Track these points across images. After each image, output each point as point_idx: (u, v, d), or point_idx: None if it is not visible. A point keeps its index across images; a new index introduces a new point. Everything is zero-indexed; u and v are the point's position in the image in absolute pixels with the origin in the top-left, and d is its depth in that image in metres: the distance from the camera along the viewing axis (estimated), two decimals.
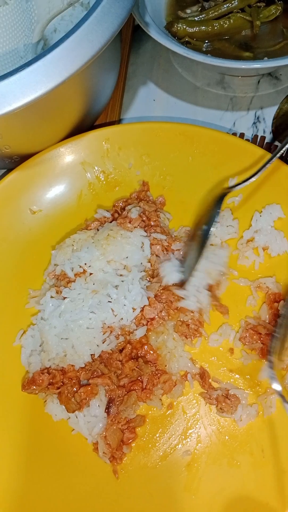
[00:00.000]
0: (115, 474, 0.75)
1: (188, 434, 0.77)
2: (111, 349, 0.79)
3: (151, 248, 0.86)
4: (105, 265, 0.84)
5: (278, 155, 0.81)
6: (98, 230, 0.90)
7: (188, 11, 1.09)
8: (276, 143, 1.00)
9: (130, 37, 1.19)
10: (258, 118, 1.08)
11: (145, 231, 0.88)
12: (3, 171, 1.04)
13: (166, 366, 0.80)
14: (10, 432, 0.79)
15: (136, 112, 1.12)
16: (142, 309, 0.81)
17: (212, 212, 0.82)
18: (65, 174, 0.95)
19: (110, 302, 0.80)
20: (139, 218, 0.88)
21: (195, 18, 1.05)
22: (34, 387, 0.78)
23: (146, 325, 0.81)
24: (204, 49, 1.04)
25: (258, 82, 1.11)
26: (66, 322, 0.80)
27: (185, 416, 0.78)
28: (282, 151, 0.81)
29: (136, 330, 0.80)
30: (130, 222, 0.88)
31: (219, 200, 0.83)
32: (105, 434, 0.75)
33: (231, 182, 0.91)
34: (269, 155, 0.88)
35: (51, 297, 0.83)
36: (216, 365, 0.81)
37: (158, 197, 0.95)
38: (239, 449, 0.75)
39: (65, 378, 0.78)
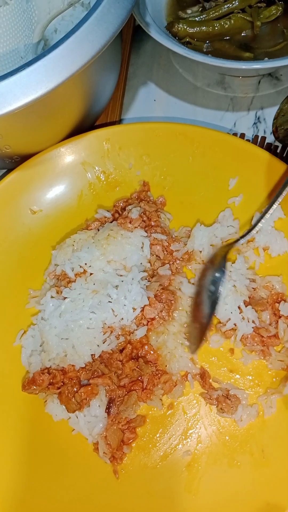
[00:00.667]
0: (116, 474, 0.75)
1: (188, 434, 0.77)
2: (111, 349, 0.79)
3: (151, 248, 0.86)
4: (105, 265, 0.84)
5: (284, 194, 0.79)
6: (98, 230, 0.90)
7: (189, 11, 1.09)
8: (277, 143, 1.00)
9: (131, 37, 1.19)
10: (258, 118, 1.08)
11: (146, 231, 0.88)
12: (3, 171, 1.04)
13: (166, 366, 0.80)
14: (10, 432, 0.79)
15: (136, 112, 1.12)
16: (142, 309, 0.81)
17: (218, 271, 0.78)
18: (65, 174, 0.95)
19: (110, 302, 0.80)
20: (140, 218, 0.88)
21: (196, 18, 1.05)
22: (35, 387, 0.78)
23: (147, 325, 0.81)
24: (205, 50, 1.04)
25: (259, 82, 1.11)
26: (67, 322, 0.80)
27: (185, 416, 0.78)
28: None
29: (136, 330, 0.80)
30: (130, 222, 0.88)
31: (224, 256, 0.79)
32: (105, 434, 0.75)
33: (232, 183, 0.91)
34: (268, 155, 0.88)
35: (52, 297, 0.83)
36: (216, 365, 0.81)
37: (158, 197, 0.95)
38: (239, 449, 0.75)
39: (66, 378, 0.78)
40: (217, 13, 1.04)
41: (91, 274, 0.84)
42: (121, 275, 0.83)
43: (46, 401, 0.80)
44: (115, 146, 0.95)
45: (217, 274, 0.77)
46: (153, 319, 0.81)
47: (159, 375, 0.79)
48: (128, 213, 0.90)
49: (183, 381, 0.80)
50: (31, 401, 0.80)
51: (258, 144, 1.00)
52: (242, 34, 1.05)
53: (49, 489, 0.75)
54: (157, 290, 0.83)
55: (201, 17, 1.05)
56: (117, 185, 0.96)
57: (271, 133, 1.01)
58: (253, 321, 0.80)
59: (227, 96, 1.11)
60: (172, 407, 0.79)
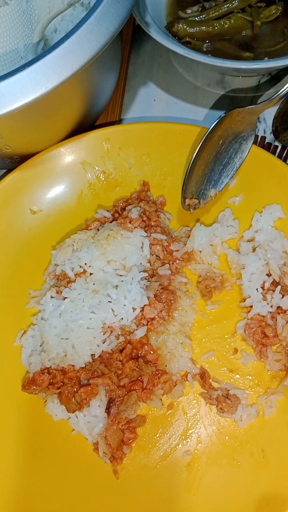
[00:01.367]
0: (115, 474, 0.75)
1: (188, 434, 0.77)
2: (111, 349, 0.80)
3: (151, 248, 0.86)
4: (105, 265, 0.84)
5: None
6: (98, 230, 0.90)
7: (189, 11, 1.09)
8: (276, 143, 1.00)
9: (131, 37, 1.19)
10: (258, 118, 1.07)
11: (146, 231, 0.88)
12: (3, 171, 1.05)
13: (166, 366, 0.80)
14: (10, 432, 0.79)
15: (136, 112, 1.12)
16: (142, 309, 0.81)
17: (248, 130, 0.81)
18: (65, 174, 0.95)
19: (110, 302, 0.80)
20: (140, 218, 0.88)
21: (196, 18, 1.05)
22: (34, 387, 0.78)
23: (146, 325, 0.81)
24: (205, 49, 1.04)
25: (259, 82, 1.11)
26: (66, 322, 0.80)
27: (185, 416, 0.78)
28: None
29: (136, 330, 0.80)
30: (130, 222, 0.88)
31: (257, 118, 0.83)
32: (105, 434, 0.75)
33: (232, 183, 0.91)
34: (268, 155, 0.88)
35: (51, 297, 0.83)
36: (216, 365, 0.81)
37: (158, 197, 0.95)
38: (239, 449, 0.75)
39: (65, 378, 0.78)
40: (217, 13, 1.04)
41: (91, 274, 0.84)
42: (121, 275, 0.83)
43: (46, 401, 0.80)
44: (115, 146, 0.95)
45: (245, 133, 0.81)
46: (153, 319, 0.81)
47: (159, 375, 0.79)
48: (128, 213, 0.90)
49: (183, 381, 0.80)
50: (31, 401, 0.80)
51: (258, 144, 1.00)
52: (242, 34, 1.05)
53: (49, 489, 0.75)
54: (157, 290, 0.83)
55: (201, 17, 1.05)
56: (117, 185, 0.96)
57: (271, 132, 1.01)
58: (271, 306, 0.80)
59: (227, 95, 1.11)
60: (172, 407, 0.79)
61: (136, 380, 0.78)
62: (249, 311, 0.82)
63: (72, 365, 0.79)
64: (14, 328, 0.86)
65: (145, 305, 0.81)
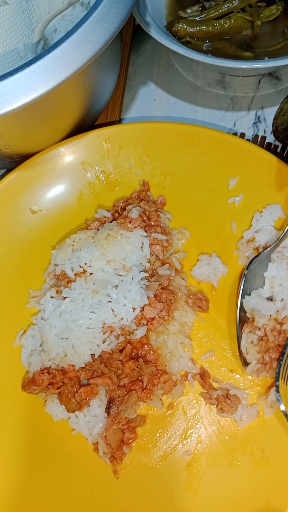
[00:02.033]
0: (115, 474, 0.75)
1: (188, 434, 0.77)
2: (111, 349, 0.79)
3: (151, 248, 0.86)
4: (105, 265, 0.84)
5: None
6: (98, 230, 0.90)
7: (189, 10, 1.09)
8: (277, 143, 1.00)
9: (131, 37, 1.19)
10: (258, 118, 1.07)
11: (146, 231, 0.87)
12: (3, 171, 1.04)
13: (166, 366, 0.80)
14: (10, 432, 0.79)
15: (136, 112, 1.12)
16: (142, 309, 0.81)
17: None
18: (65, 174, 0.95)
19: (110, 302, 0.80)
20: (140, 218, 0.88)
21: (196, 18, 1.05)
22: (34, 387, 0.78)
23: (146, 325, 0.81)
24: (205, 49, 1.04)
25: (259, 82, 1.10)
26: (66, 322, 0.80)
27: (185, 416, 0.78)
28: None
29: (136, 330, 0.80)
30: (130, 222, 0.88)
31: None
32: (105, 434, 0.75)
33: (232, 183, 0.91)
34: (268, 155, 0.88)
35: (51, 297, 0.83)
36: (216, 365, 0.81)
37: (158, 197, 0.95)
38: (239, 449, 0.75)
39: (65, 378, 0.78)
40: (217, 13, 1.04)
41: (91, 274, 0.84)
42: (120, 275, 0.83)
43: (46, 401, 0.80)
44: (115, 146, 0.95)
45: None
46: (153, 318, 0.81)
47: (159, 375, 0.79)
48: (128, 213, 0.90)
49: (183, 381, 0.80)
50: (31, 401, 0.80)
51: (258, 143, 1.00)
52: (242, 34, 1.05)
53: (49, 489, 0.75)
54: (157, 290, 0.83)
55: (201, 16, 1.05)
56: (117, 185, 0.96)
57: (271, 132, 1.01)
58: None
59: (227, 95, 1.11)
60: (172, 407, 0.79)
61: (136, 380, 0.78)
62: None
63: (72, 365, 0.79)
64: (14, 328, 0.86)
65: (145, 305, 0.81)
